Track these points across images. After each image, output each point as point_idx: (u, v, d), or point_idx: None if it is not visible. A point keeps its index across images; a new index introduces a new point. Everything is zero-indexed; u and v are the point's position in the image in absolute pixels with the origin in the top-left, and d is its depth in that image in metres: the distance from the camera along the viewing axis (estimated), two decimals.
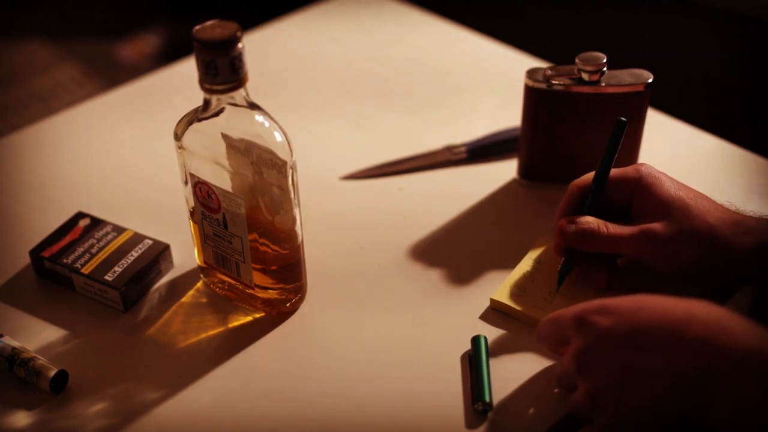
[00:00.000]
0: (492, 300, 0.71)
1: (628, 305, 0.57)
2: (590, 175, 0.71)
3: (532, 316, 0.69)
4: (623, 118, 0.70)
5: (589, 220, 0.69)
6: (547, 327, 0.63)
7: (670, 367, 0.53)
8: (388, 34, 1.10)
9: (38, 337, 0.70)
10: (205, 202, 0.67)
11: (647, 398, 0.54)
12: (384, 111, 0.96)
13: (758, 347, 0.52)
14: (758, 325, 0.53)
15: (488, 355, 0.66)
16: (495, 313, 0.71)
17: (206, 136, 0.64)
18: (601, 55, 0.76)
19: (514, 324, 0.70)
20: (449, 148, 0.89)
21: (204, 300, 0.73)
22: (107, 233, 0.76)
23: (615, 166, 0.72)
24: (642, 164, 0.70)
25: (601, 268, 0.70)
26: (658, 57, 1.06)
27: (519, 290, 0.71)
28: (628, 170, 0.70)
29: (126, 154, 0.91)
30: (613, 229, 0.68)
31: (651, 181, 0.68)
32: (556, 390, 0.64)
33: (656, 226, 0.66)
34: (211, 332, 0.71)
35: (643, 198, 0.68)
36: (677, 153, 0.88)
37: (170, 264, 0.76)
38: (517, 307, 0.70)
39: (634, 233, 0.67)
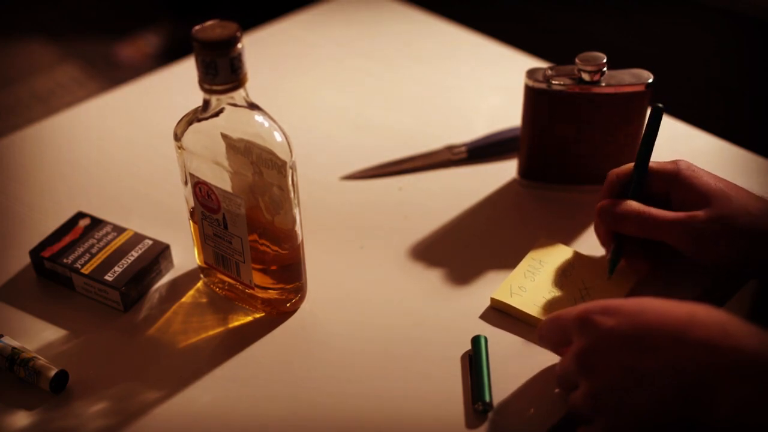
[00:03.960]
0: (492, 299, 0.71)
1: (631, 306, 0.57)
2: (629, 165, 0.72)
3: (533, 315, 0.69)
4: (660, 105, 0.70)
5: (632, 203, 0.70)
6: (548, 327, 0.63)
7: (672, 369, 0.53)
8: (388, 34, 1.10)
9: (38, 337, 0.70)
10: (205, 202, 0.67)
11: (648, 400, 0.54)
12: (384, 111, 0.96)
13: (759, 350, 0.52)
14: (760, 329, 0.53)
15: (488, 355, 0.66)
16: (495, 312, 0.71)
17: (206, 136, 0.64)
18: (601, 55, 0.76)
19: (514, 324, 0.70)
20: (449, 148, 0.89)
21: (204, 300, 0.73)
22: (107, 233, 0.76)
23: (615, 166, 0.73)
24: (680, 159, 0.71)
25: (643, 255, 0.72)
26: (658, 57, 1.06)
27: (520, 290, 0.71)
28: (666, 164, 0.71)
29: (126, 154, 0.91)
30: (656, 212, 0.69)
31: (689, 174, 0.69)
32: (556, 390, 0.64)
33: (699, 213, 0.67)
34: (211, 332, 0.71)
35: (682, 190, 0.69)
36: (677, 153, 0.88)
37: (170, 264, 0.76)
38: (518, 307, 0.70)
39: (678, 218, 0.67)
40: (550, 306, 0.70)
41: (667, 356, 0.54)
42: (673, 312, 0.56)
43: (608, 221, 0.71)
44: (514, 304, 0.70)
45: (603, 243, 0.73)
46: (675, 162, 0.71)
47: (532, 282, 0.72)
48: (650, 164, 0.71)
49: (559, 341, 0.62)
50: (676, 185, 0.70)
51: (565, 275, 0.73)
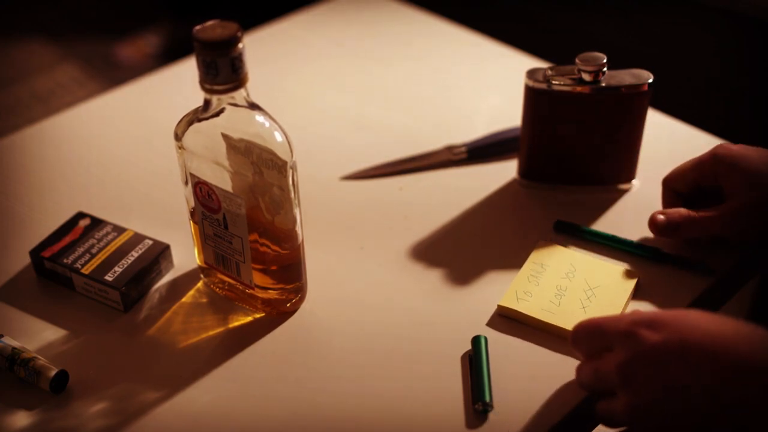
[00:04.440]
0: (500, 306, 0.71)
1: (678, 322, 0.57)
2: (678, 169, 0.76)
3: (543, 320, 0.69)
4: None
5: (679, 210, 0.75)
6: (587, 333, 0.62)
7: (715, 388, 0.54)
8: (388, 34, 1.10)
9: (38, 337, 0.70)
10: (206, 202, 0.67)
11: (689, 417, 0.54)
12: (384, 111, 0.96)
13: None
14: None
15: (488, 355, 0.66)
16: (495, 313, 0.71)
17: (206, 136, 0.64)
18: (601, 55, 0.76)
19: (514, 324, 0.70)
20: (449, 148, 0.89)
21: (204, 300, 0.73)
22: (107, 233, 0.76)
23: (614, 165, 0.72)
24: (718, 146, 0.73)
25: None
26: (658, 57, 1.06)
27: (526, 295, 0.71)
28: (703, 158, 0.74)
29: (126, 154, 0.91)
30: (698, 213, 0.73)
31: (729, 162, 0.72)
32: (570, 383, 0.65)
33: (737, 201, 0.71)
34: (211, 332, 0.71)
35: (727, 179, 0.72)
36: (677, 153, 0.88)
37: (170, 264, 0.76)
38: (527, 312, 0.70)
39: (718, 213, 0.72)
40: (558, 310, 0.70)
41: (712, 375, 0.54)
42: (720, 329, 0.56)
43: (659, 233, 0.75)
44: (522, 310, 0.70)
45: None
46: (713, 152, 0.73)
47: (536, 286, 0.72)
48: (689, 162, 0.75)
49: (596, 348, 0.62)
50: (721, 175, 0.73)
51: (568, 278, 0.73)
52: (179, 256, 0.76)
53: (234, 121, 0.63)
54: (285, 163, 0.63)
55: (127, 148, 0.92)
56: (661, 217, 0.75)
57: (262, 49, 1.06)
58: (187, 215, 0.71)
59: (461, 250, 0.77)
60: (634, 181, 0.83)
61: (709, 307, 0.78)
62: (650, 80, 0.77)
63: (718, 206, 0.73)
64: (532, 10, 1.50)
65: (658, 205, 0.81)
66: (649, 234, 0.77)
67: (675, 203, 0.77)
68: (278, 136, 0.63)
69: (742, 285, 0.85)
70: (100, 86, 2.09)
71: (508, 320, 0.70)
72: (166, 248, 0.75)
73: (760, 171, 0.71)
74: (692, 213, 0.74)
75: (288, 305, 0.71)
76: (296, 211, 0.67)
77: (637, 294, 0.72)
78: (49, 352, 0.68)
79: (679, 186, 0.77)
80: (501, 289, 0.73)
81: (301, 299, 0.72)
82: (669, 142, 0.89)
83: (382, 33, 1.11)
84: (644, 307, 0.71)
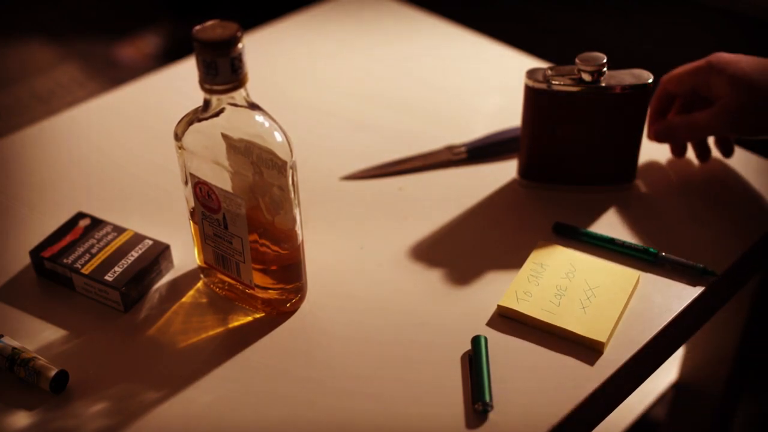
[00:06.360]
0: (500, 306, 0.71)
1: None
2: (677, 71, 0.82)
3: (543, 320, 0.69)
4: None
5: (672, 117, 0.83)
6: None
7: None
8: (388, 34, 1.10)
9: (38, 337, 0.70)
10: (206, 202, 0.67)
11: None
12: (384, 111, 0.96)
13: None
14: None
15: (488, 355, 0.67)
16: (495, 313, 0.71)
17: (206, 136, 0.64)
18: (601, 55, 0.77)
19: (514, 324, 0.70)
20: (449, 148, 0.89)
21: (204, 300, 0.73)
22: (107, 233, 0.76)
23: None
24: (714, 54, 0.79)
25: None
26: (658, 57, 1.06)
27: (526, 295, 0.71)
28: (700, 64, 0.79)
29: (126, 154, 0.91)
30: (690, 115, 0.80)
31: (720, 68, 0.77)
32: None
33: (725, 101, 0.77)
34: (211, 332, 0.71)
35: (718, 84, 0.77)
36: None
37: (170, 264, 0.76)
38: (527, 312, 0.70)
39: (708, 113, 0.78)
40: (558, 310, 0.70)
41: None
42: None
43: (657, 138, 0.83)
44: (522, 310, 0.70)
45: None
46: (708, 59, 0.78)
47: (536, 286, 0.72)
48: (685, 66, 0.81)
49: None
50: (713, 80, 0.77)
51: (568, 278, 0.73)
52: (179, 256, 0.77)
53: (234, 121, 0.63)
54: (285, 163, 0.63)
55: (127, 148, 0.92)
56: (658, 125, 0.83)
57: (262, 49, 1.06)
58: (187, 215, 0.71)
59: (461, 250, 0.77)
60: (634, 182, 0.83)
61: (709, 307, 0.79)
62: (650, 80, 0.77)
63: (710, 108, 0.78)
64: (532, 10, 1.50)
65: (658, 205, 0.81)
66: (650, 235, 0.77)
67: (665, 104, 0.84)
68: (278, 136, 0.63)
69: (742, 285, 0.85)
70: (100, 86, 2.09)
71: (508, 320, 0.70)
72: (166, 248, 0.75)
73: (747, 75, 0.76)
74: (685, 115, 0.81)
75: (288, 305, 0.72)
76: (296, 211, 0.67)
77: (637, 294, 0.72)
78: (49, 352, 0.68)
79: (674, 87, 0.82)
80: (501, 289, 0.73)
81: (301, 299, 0.72)
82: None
83: (382, 33, 1.11)
84: (644, 307, 0.71)
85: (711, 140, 0.86)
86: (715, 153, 0.87)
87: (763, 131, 0.78)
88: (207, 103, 0.63)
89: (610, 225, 0.79)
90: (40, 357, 0.66)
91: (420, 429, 0.63)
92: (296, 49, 1.08)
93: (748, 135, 0.80)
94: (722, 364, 0.99)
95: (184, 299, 0.73)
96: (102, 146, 0.92)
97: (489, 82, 1.01)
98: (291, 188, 0.65)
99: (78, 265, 0.73)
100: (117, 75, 2.11)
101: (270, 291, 0.70)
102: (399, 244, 0.78)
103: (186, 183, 0.68)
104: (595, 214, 0.80)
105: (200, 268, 0.74)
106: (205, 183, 0.66)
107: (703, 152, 0.85)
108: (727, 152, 0.85)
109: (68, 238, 0.75)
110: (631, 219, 0.79)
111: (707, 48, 0.79)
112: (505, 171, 0.86)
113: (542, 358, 0.67)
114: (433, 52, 1.07)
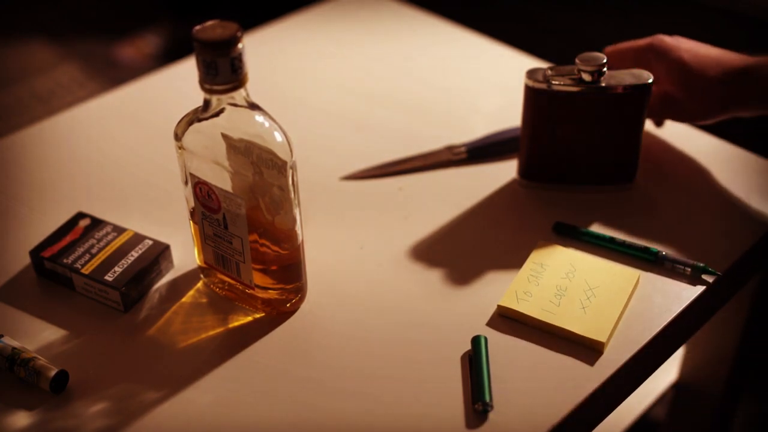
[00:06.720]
0: (500, 306, 0.71)
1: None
2: (619, 47, 0.84)
3: (543, 320, 0.69)
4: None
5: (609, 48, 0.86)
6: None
7: None
8: (388, 34, 1.10)
9: (38, 337, 0.70)
10: (206, 202, 0.67)
11: None
12: (384, 111, 0.96)
13: None
14: None
15: (488, 355, 0.67)
16: (495, 313, 0.71)
17: (206, 136, 0.64)
18: (601, 55, 0.77)
19: (514, 324, 0.70)
20: (449, 148, 0.89)
21: (204, 300, 0.73)
22: (107, 233, 0.76)
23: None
24: (656, 36, 0.81)
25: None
26: None
27: (526, 295, 0.71)
28: (641, 44, 0.81)
29: (126, 154, 0.91)
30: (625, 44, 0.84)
31: (660, 51, 0.79)
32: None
33: (662, 89, 0.81)
34: (211, 332, 0.71)
35: (656, 68, 0.79)
36: (677, 153, 0.88)
37: (170, 264, 0.76)
38: (527, 312, 0.70)
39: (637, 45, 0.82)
40: (558, 310, 0.70)
41: None
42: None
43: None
44: (522, 310, 0.70)
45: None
46: (649, 41, 0.81)
47: (536, 286, 0.72)
48: (626, 44, 0.82)
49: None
50: (651, 63, 0.80)
51: (568, 278, 0.73)
52: (179, 256, 0.77)
53: (234, 121, 0.63)
54: (285, 163, 0.63)
55: (127, 148, 0.92)
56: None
57: (262, 49, 1.06)
58: (187, 215, 0.71)
59: (461, 250, 0.77)
60: (634, 181, 0.83)
61: (709, 307, 0.79)
62: (650, 80, 0.77)
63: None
64: (532, 10, 1.51)
65: (658, 205, 0.81)
66: (650, 234, 0.77)
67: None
68: (278, 136, 0.63)
69: (742, 285, 0.85)
70: (100, 86, 2.09)
71: (508, 320, 0.70)
72: (166, 248, 0.75)
73: (685, 64, 0.78)
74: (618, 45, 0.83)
75: (288, 305, 0.72)
76: (296, 211, 0.67)
77: (637, 294, 0.72)
78: (49, 352, 0.68)
79: (616, 62, 0.82)
80: (501, 289, 0.73)
81: (301, 299, 0.72)
82: (669, 143, 0.89)
83: (382, 33, 1.11)
84: (644, 307, 0.71)
85: None
86: (721, 152, 0.87)
87: (700, 119, 0.81)
88: (207, 103, 0.63)
89: (610, 225, 0.79)
90: (40, 357, 0.66)
91: (420, 429, 0.63)
92: (296, 49, 1.08)
93: (685, 122, 0.83)
94: (722, 364, 0.99)
95: (184, 299, 0.73)
96: (102, 146, 0.92)
97: (489, 82, 1.01)
98: (291, 188, 0.65)
99: (78, 265, 0.73)
100: (117, 75, 2.11)
101: (270, 291, 0.70)
102: (399, 244, 0.78)
103: (186, 183, 0.68)
104: (595, 214, 0.80)
105: (200, 268, 0.74)
106: (205, 183, 0.66)
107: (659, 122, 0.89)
108: (658, 123, 0.88)
109: (68, 238, 0.75)
110: (631, 218, 0.79)
111: None
112: (505, 171, 0.86)
113: (542, 358, 0.67)
114: (433, 52, 1.07)
